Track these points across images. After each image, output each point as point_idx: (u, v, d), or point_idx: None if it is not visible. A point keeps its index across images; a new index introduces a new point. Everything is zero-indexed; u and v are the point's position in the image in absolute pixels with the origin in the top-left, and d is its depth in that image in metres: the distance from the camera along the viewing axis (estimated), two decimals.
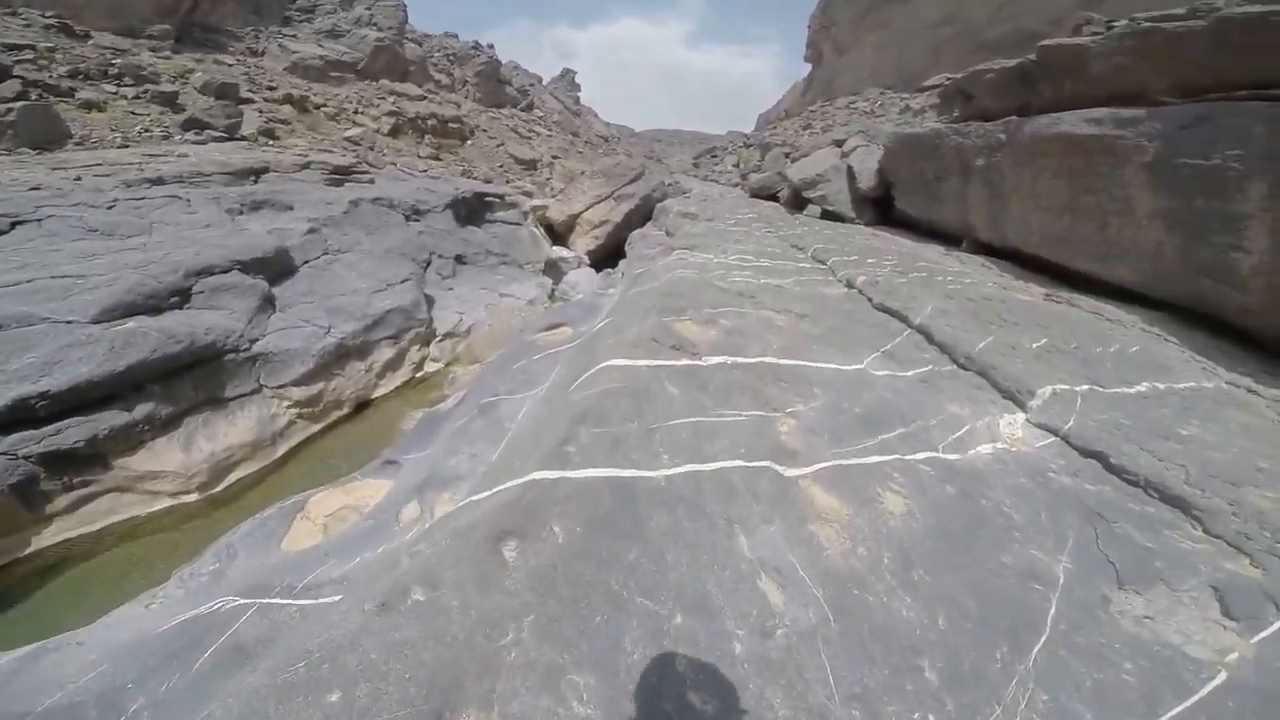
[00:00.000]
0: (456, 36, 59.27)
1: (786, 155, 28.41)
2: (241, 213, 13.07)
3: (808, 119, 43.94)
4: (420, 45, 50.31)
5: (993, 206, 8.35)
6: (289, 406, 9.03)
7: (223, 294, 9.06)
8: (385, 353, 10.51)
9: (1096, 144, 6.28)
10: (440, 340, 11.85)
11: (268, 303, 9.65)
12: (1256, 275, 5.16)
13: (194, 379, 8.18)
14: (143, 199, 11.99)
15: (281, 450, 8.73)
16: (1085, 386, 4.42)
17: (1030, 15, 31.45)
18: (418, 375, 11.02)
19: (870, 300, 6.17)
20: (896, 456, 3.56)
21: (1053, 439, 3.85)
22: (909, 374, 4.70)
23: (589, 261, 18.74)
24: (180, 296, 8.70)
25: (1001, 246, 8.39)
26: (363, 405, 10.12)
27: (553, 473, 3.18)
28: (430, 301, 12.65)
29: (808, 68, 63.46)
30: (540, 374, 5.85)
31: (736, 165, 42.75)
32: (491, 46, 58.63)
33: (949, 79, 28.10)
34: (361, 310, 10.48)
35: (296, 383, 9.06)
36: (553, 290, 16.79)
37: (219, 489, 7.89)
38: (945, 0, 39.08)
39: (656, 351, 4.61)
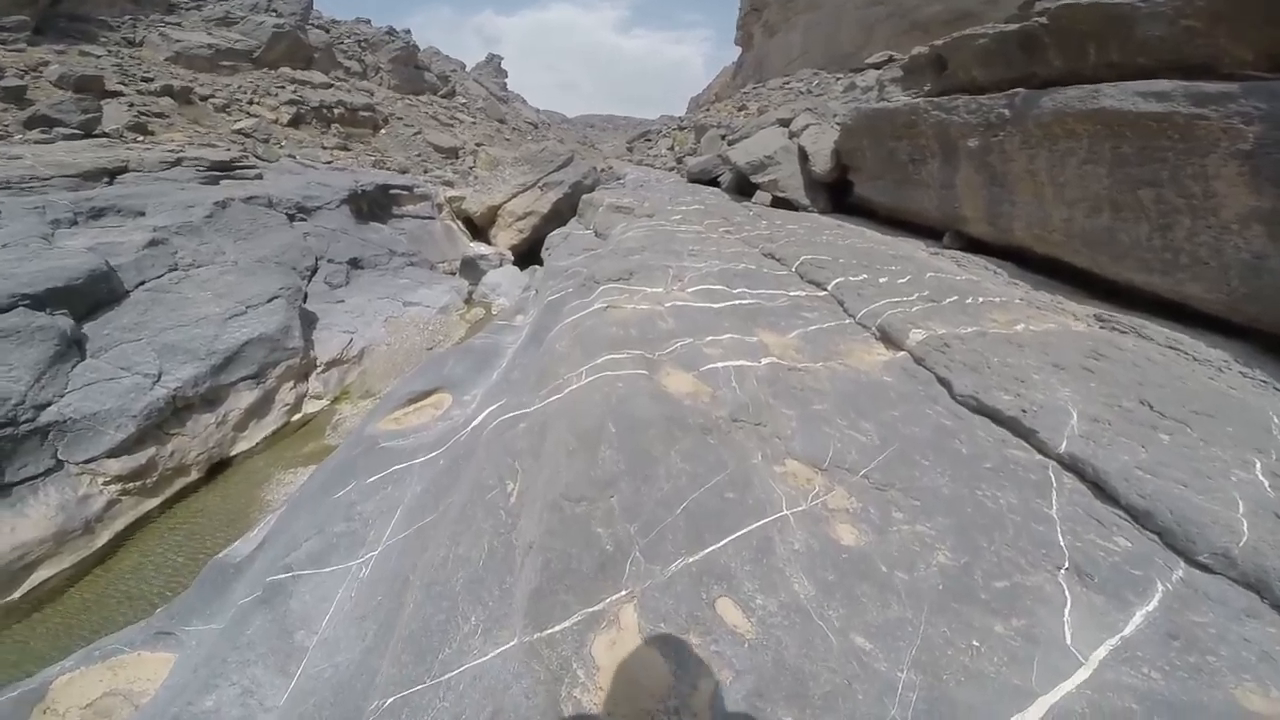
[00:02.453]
0: (369, 22, 55.36)
1: (723, 137, 26.91)
2: (75, 223, 10.50)
3: (742, 100, 42.63)
4: (327, 31, 46.40)
5: (991, 196, 6.82)
6: (106, 483, 6.85)
7: None
8: (244, 397, 8.31)
9: (1162, 124, 4.77)
10: (323, 371, 9.67)
11: (72, 347, 7.31)
12: None
13: None
14: None
15: (104, 538, 6.68)
16: None
17: None
18: (295, 419, 8.88)
19: (949, 388, 3.66)
20: None
21: None
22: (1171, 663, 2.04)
23: (512, 258, 16.72)
24: None
25: (1000, 244, 6.90)
26: (220, 465, 7.98)
27: None
28: (311, 321, 10.43)
29: (737, 52, 62.32)
30: (370, 519, 3.63)
31: (671, 149, 41.25)
32: (408, 32, 55.00)
33: (893, 56, 27.12)
34: (207, 346, 8.22)
35: (113, 453, 6.86)
36: (470, 293, 14.76)
37: (16, 595, 5.99)
38: None
39: None
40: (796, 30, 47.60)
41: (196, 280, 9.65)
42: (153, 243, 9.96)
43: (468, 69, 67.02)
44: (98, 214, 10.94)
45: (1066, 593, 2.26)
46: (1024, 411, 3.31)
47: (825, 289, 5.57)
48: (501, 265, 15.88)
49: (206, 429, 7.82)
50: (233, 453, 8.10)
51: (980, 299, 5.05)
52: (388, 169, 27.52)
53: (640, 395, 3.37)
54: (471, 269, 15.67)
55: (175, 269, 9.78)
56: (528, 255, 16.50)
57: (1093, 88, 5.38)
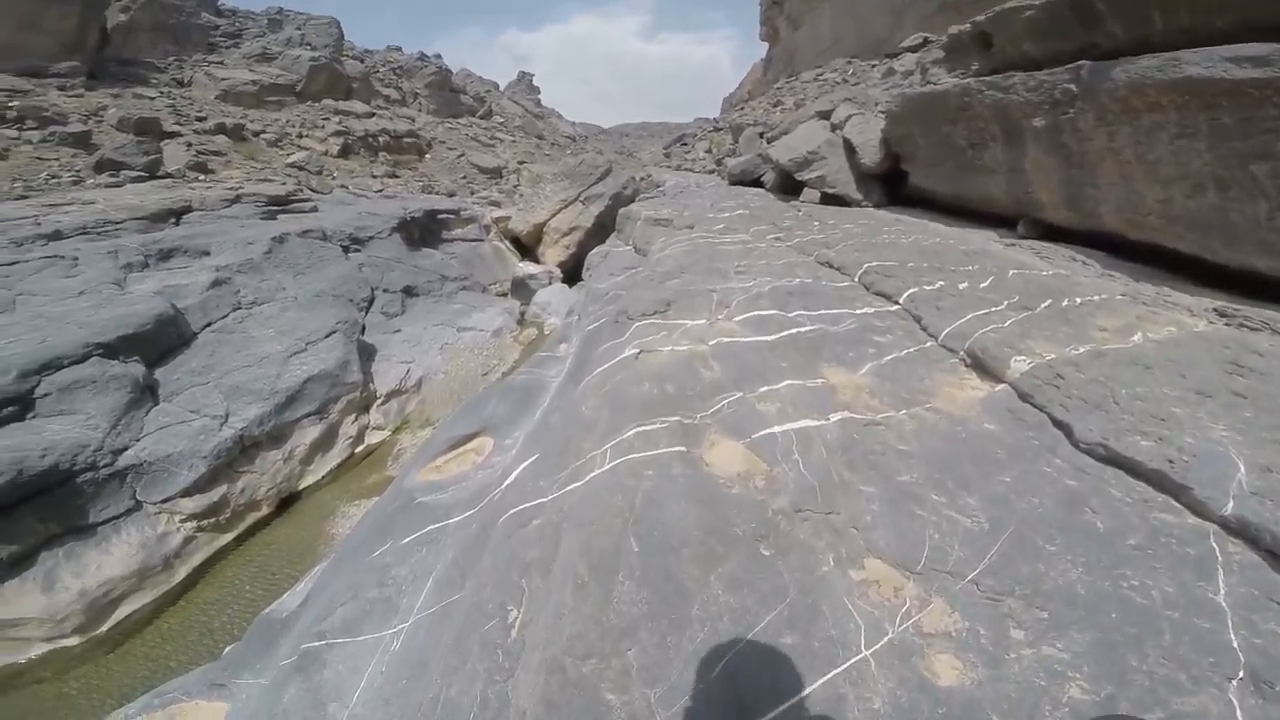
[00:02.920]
0: (400, 49, 56.82)
1: (761, 135, 26.46)
2: (146, 265, 10.95)
3: (776, 96, 41.95)
4: (362, 61, 47.83)
5: (1069, 178, 6.28)
6: (183, 521, 7.06)
7: (77, 392, 6.98)
8: (309, 433, 8.46)
9: (1265, 91, 4.26)
10: (383, 402, 9.79)
11: (145, 393, 7.56)
12: None
13: (36, 509, 6.24)
14: (15, 263, 9.86)
15: (182, 573, 6.90)
16: None
17: None
18: (358, 450, 8.99)
19: (1069, 433, 2.98)
20: None
21: None
22: None
23: (561, 275, 16.72)
24: (19, 405, 6.64)
25: (1085, 230, 6.36)
26: (290, 499, 8.14)
27: None
28: (369, 353, 10.59)
29: (764, 48, 61.45)
30: (404, 585, 3.44)
31: (709, 151, 40.98)
32: (439, 56, 56.25)
33: (928, 37, 26.19)
34: (270, 385, 8.40)
35: (187, 492, 7.06)
36: (522, 314, 14.81)
37: (104, 629, 6.24)
38: None
39: None
40: (823, 19, 46.56)
41: (259, 318, 9.91)
42: (216, 283, 10.28)
43: (501, 88, 68.09)
44: (166, 255, 11.38)
45: (1238, 712, 1.75)
46: (1171, 462, 2.62)
47: (897, 302, 4.93)
48: (551, 283, 15.90)
49: (274, 465, 7.98)
50: (300, 486, 8.24)
51: (1078, 300, 4.46)
52: (436, 193, 28.11)
53: (673, 493, 2.66)
54: (522, 289, 15.76)
55: (239, 308, 10.07)
56: (576, 270, 16.52)
57: (1171, 56, 4.84)
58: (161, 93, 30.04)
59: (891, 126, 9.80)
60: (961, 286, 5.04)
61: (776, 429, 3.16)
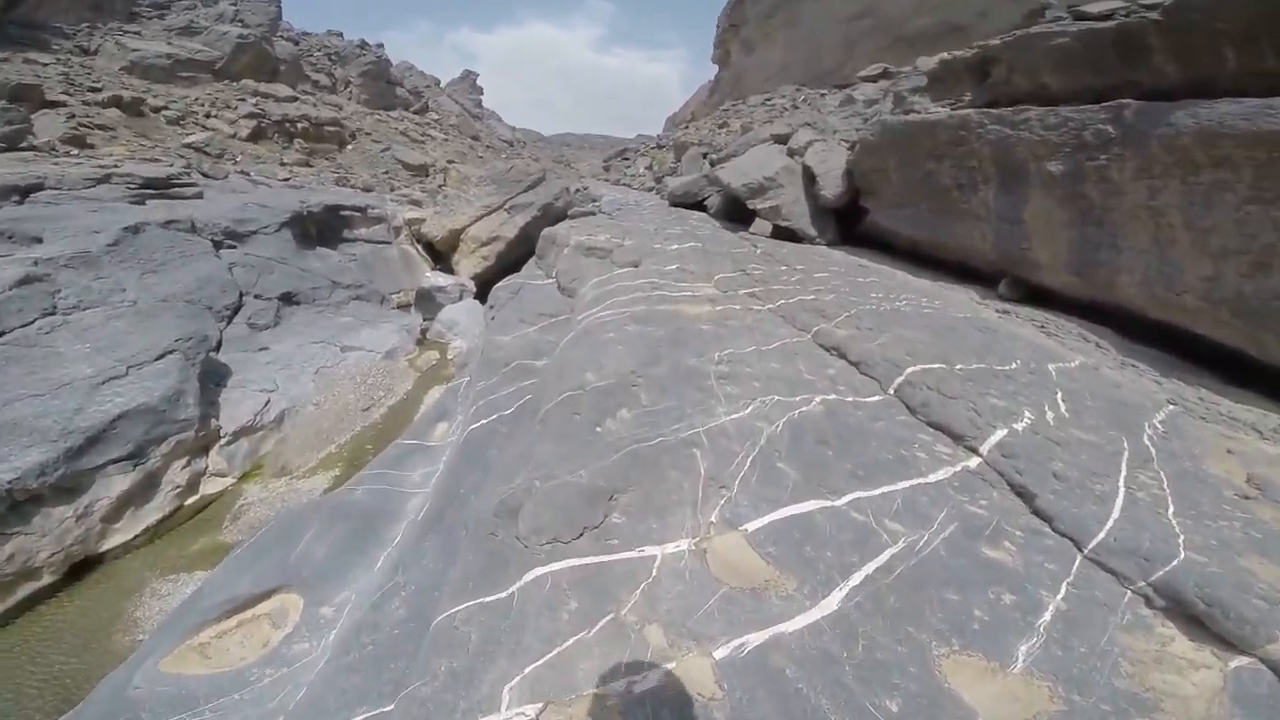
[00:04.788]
0: (340, 35, 53.89)
1: (705, 155, 25.64)
2: None
3: (722, 117, 41.54)
4: (296, 44, 45.05)
5: (1082, 238, 5.30)
6: None
7: None
8: (117, 483, 6.53)
9: None
10: (229, 442, 7.86)
11: None
12: None
13: None
14: None
15: None
16: None
17: (956, 7, 29.84)
18: (189, 503, 7.09)
19: None
20: None
21: None
22: None
23: (474, 289, 15.00)
24: None
25: (1085, 299, 5.39)
26: (87, 563, 6.24)
27: None
28: (220, 376, 8.67)
29: (712, 71, 61.65)
30: None
31: (649, 168, 40.13)
32: (380, 46, 53.65)
33: (888, 69, 26.04)
34: (64, 423, 6.44)
35: None
36: (424, 332, 13.03)
37: None
38: None
39: None
40: (776, 46, 46.97)
41: (75, 328, 7.86)
42: (27, 280, 8.18)
43: (442, 85, 65.66)
44: None
45: None
46: None
47: (976, 451, 3.28)
48: (462, 299, 14.14)
49: (62, 524, 6.08)
50: (102, 548, 6.37)
51: (1158, 423, 3.18)
52: (351, 186, 25.94)
53: None
54: (428, 302, 13.92)
55: (51, 313, 8.00)
56: (493, 285, 14.94)
57: (1264, 103, 3.93)
58: (59, 59, 27.17)
59: (861, 157, 8.78)
60: (1049, 418, 3.48)
61: None
